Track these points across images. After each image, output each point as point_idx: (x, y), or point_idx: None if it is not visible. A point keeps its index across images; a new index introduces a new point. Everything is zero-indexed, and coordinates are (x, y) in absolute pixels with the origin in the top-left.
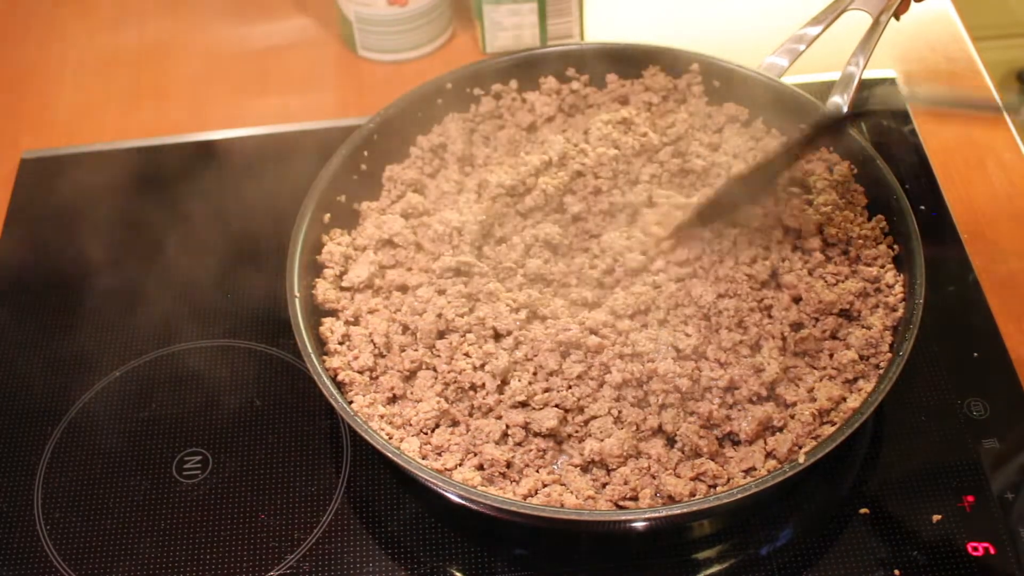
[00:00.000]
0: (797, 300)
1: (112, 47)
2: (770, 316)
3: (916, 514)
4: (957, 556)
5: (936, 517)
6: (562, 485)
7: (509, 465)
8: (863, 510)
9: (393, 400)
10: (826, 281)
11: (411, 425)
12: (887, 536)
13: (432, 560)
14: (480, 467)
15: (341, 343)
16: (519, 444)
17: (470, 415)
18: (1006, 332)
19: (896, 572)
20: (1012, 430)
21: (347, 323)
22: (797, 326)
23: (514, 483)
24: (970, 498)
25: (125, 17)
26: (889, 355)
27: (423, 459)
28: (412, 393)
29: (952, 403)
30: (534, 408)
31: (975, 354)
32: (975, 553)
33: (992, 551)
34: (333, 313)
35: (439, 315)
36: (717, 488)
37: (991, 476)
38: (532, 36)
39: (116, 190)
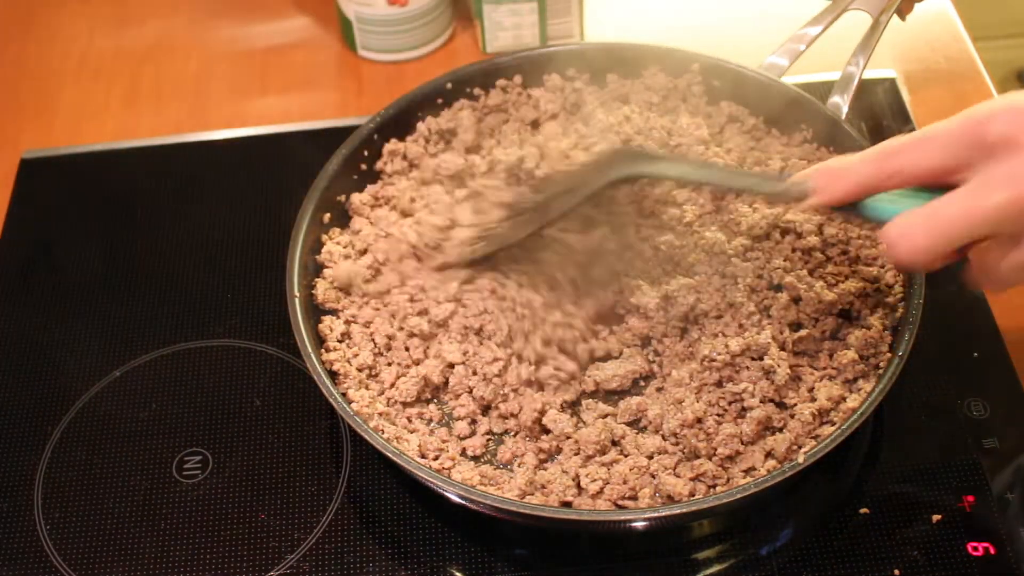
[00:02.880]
0: (797, 300)
1: (112, 47)
2: (769, 316)
3: (916, 514)
4: (957, 556)
5: (936, 517)
6: (564, 472)
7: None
8: (863, 510)
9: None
10: (826, 281)
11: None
12: (887, 536)
13: (432, 560)
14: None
15: (340, 341)
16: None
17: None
18: (1006, 332)
19: (896, 572)
20: (1012, 430)
21: (347, 322)
22: (796, 326)
23: (511, 476)
24: (970, 498)
25: (125, 17)
26: (889, 355)
27: (422, 458)
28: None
29: (952, 403)
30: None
31: (975, 354)
32: (975, 553)
33: (992, 551)
34: (333, 313)
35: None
36: (717, 488)
37: (991, 476)
38: (532, 36)
39: (116, 190)
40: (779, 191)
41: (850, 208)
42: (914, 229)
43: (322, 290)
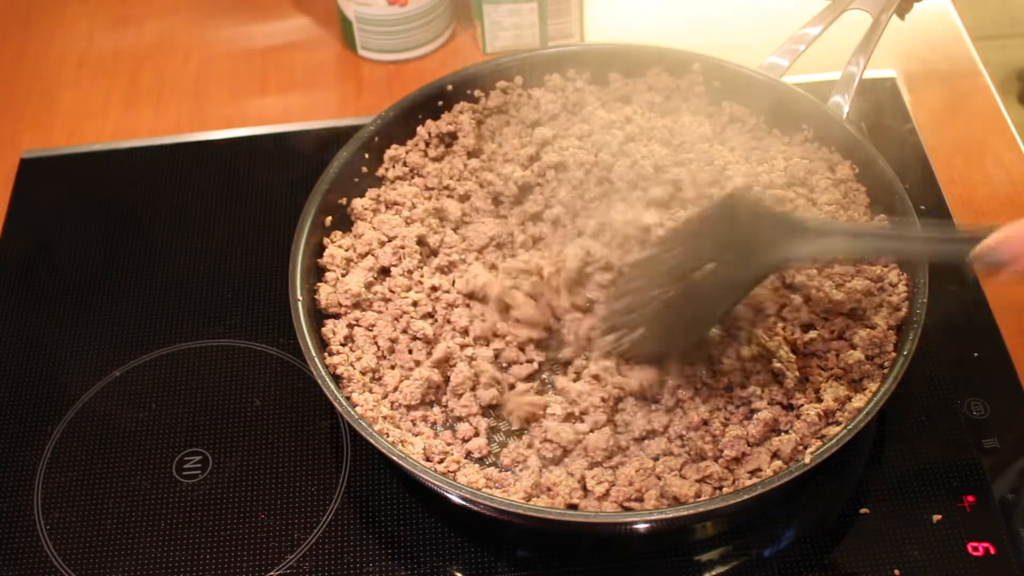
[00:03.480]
0: (807, 300)
1: (112, 47)
2: (784, 319)
3: (916, 514)
4: (957, 556)
5: (936, 517)
6: (568, 474)
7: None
8: (864, 510)
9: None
10: (834, 281)
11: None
12: (887, 536)
13: (432, 560)
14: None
15: (343, 344)
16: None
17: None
18: (1006, 332)
19: (896, 572)
20: (1012, 430)
21: (349, 325)
22: (806, 327)
23: (516, 479)
24: (970, 498)
25: (125, 17)
26: (893, 355)
27: (427, 461)
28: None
29: (952, 403)
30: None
31: (975, 354)
32: (975, 553)
33: (992, 551)
34: (336, 316)
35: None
36: (723, 489)
37: (991, 476)
38: (532, 36)
39: (116, 190)
40: (970, 260)
41: None
42: None
43: (325, 295)
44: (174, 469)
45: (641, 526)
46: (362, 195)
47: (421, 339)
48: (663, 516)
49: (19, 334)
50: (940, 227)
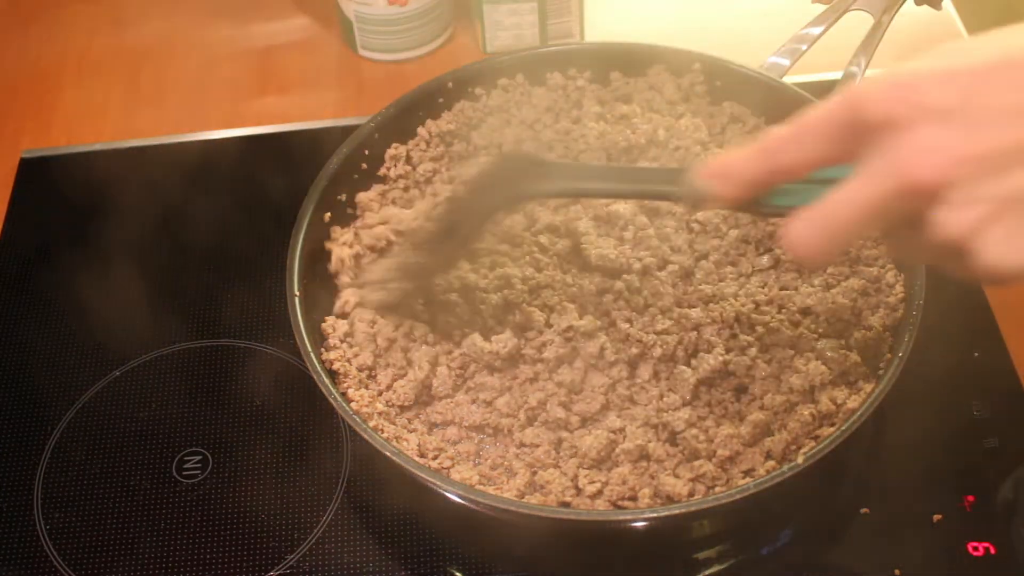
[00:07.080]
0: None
1: (112, 47)
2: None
3: (916, 514)
4: (957, 556)
5: (936, 517)
6: (557, 468)
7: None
8: (863, 510)
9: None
10: (827, 283)
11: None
12: (887, 536)
13: (432, 560)
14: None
15: (343, 340)
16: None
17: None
18: (1006, 332)
19: (896, 572)
20: (1012, 430)
21: (346, 317)
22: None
23: (512, 476)
24: (970, 498)
25: (125, 17)
26: (889, 356)
27: (421, 457)
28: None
29: (952, 403)
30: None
31: (975, 354)
32: (975, 553)
33: (992, 551)
34: (341, 316)
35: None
36: (716, 489)
37: (991, 476)
38: (532, 35)
39: (116, 190)
40: (678, 195)
41: (749, 207)
42: (809, 232)
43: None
44: (174, 469)
45: (635, 525)
46: (366, 189)
47: (416, 340)
48: (655, 515)
49: (19, 334)
50: (655, 168)
